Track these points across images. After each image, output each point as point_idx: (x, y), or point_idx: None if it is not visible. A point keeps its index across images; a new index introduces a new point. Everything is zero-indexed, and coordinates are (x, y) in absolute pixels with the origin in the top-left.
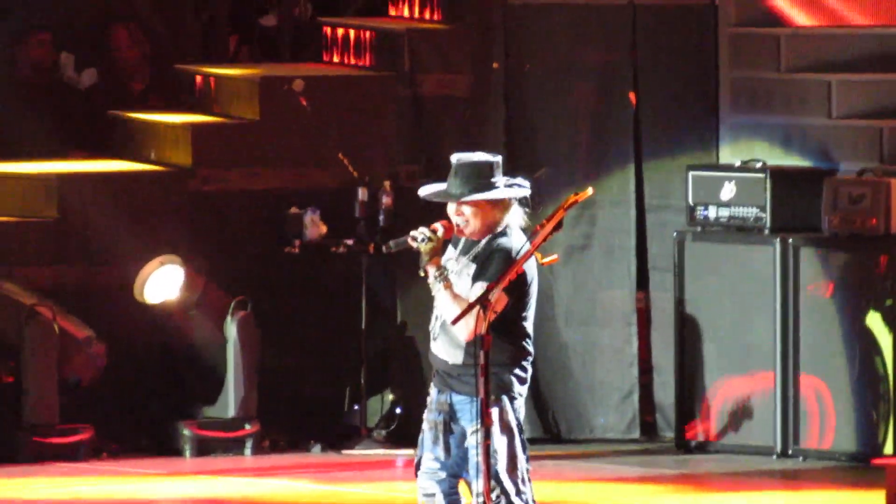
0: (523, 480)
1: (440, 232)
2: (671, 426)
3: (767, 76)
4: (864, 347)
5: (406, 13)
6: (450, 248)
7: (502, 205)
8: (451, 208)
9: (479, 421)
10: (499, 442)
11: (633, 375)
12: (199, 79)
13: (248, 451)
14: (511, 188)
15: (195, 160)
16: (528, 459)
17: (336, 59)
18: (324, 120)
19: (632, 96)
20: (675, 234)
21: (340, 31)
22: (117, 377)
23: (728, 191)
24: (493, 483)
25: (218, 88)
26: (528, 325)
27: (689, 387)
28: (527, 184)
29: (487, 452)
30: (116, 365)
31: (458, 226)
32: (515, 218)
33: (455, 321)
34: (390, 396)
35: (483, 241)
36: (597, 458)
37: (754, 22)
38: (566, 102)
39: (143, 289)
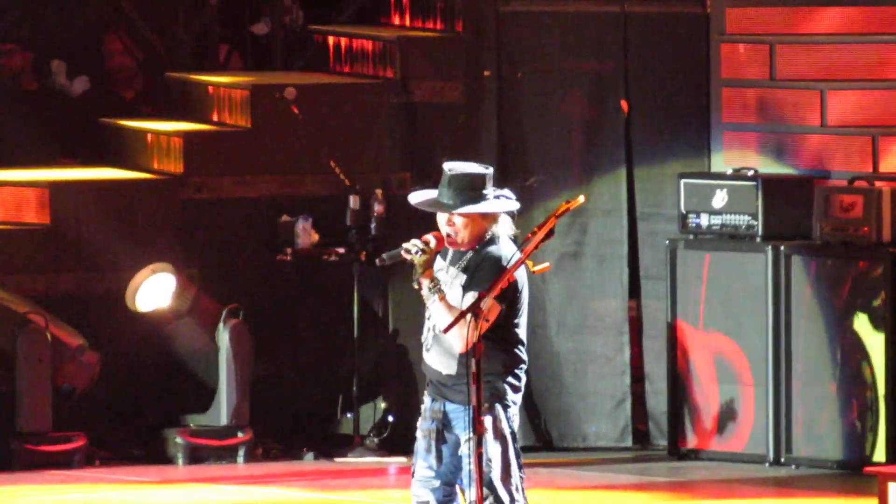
0: (517, 489)
1: (432, 244)
2: (663, 434)
3: (760, 83)
4: (853, 355)
5: (397, 21)
6: (438, 259)
7: (492, 216)
8: (441, 218)
9: (471, 429)
10: (493, 450)
11: (625, 383)
12: (190, 87)
13: (240, 458)
14: (499, 200)
15: (187, 168)
16: (522, 468)
17: (328, 67)
18: (315, 128)
19: (624, 104)
20: (667, 242)
21: (332, 40)
22: (110, 385)
23: (720, 199)
24: (487, 491)
25: (209, 96)
26: (522, 333)
27: (682, 395)
28: (514, 196)
29: (480, 460)
30: (109, 373)
31: (448, 236)
32: (504, 227)
33: (446, 330)
34: (383, 404)
35: (472, 251)
36: (589, 465)
37: (746, 30)
38: (558, 110)
39: (134, 297)
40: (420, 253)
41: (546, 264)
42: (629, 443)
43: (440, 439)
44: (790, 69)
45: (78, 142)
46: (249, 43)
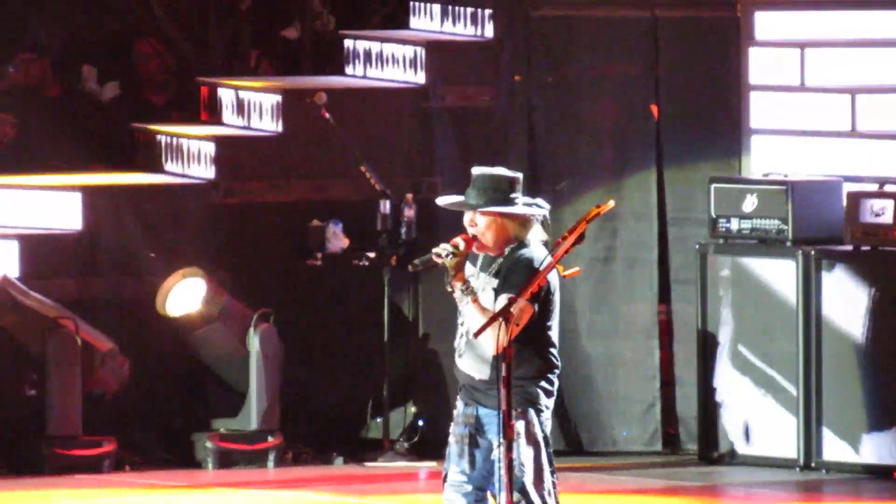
0: (550, 493)
1: (461, 246)
2: (693, 438)
3: (790, 88)
4: (884, 359)
5: (428, 26)
6: (468, 265)
7: (519, 221)
8: (466, 218)
9: (501, 434)
10: (525, 455)
11: (655, 388)
12: (221, 91)
13: (270, 463)
14: (529, 206)
15: (218, 173)
16: (554, 472)
17: (358, 71)
18: (346, 132)
19: (654, 108)
20: (697, 246)
21: (362, 44)
22: (140, 389)
23: (750, 203)
24: (519, 496)
25: (240, 101)
26: (554, 336)
27: (712, 399)
28: (546, 205)
29: (510, 465)
30: (139, 377)
31: (475, 239)
32: (535, 233)
33: (477, 334)
34: (413, 409)
35: (502, 256)
36: (619, 470)
37: (776, 34)
38: (588, 115)
39: (165, 301)
40: (450, 256)
41: (576, 268)
42: (659, 447)
43: (473, 444)
44: (820, 74)
45: (109, 147)
46: (280, 48)
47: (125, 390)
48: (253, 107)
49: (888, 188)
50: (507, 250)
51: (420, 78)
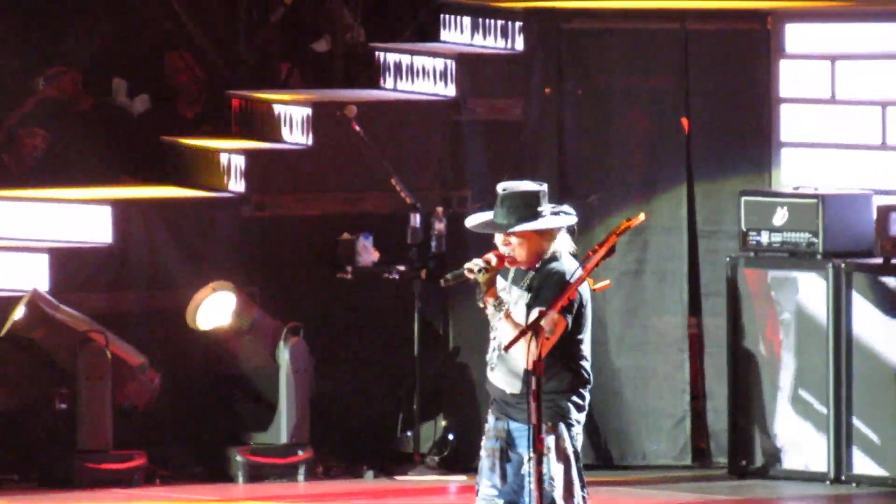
0: None
1: (494, 262)
2: (724, 452)
3: (820, 101)
4: None
5: (458, 38)
6: (499, 279)
7: (549, 233)
8: (498, 238)
9: (531, 447)
10: (555, 469)
11: (685, 401)
12: (251, 104)
13: (300, 477)
14: (557, 216)
15: (248, 186)
16: (584, 487)
17: (388, 84)
18: (376, 145)
19: (684, 121)
20: (727, 259)
21: (393, 57)
22: (170, 403)
23: (780, 216)
24: None
25: (270, 114)
26: (586, 349)
27: (742, 412)
28: (573, 211)
29: (540, 479)
30: (169, 391)
31: (508, 256)
32: (564, 244)
33: (507, 348)
34: (443, 422)
35: (534, 270)
36: (650, 484)
37: (807, 47)
38: (618, 127)
39: (195, 315)
40: (482, 272)
41: (606, 282)
42: (689, 461)
43: (504, 458)
44: (850, 87)
45: (139, 160)
46: (310, 61)
47: (156, 404)
48: (284, 120)
49: None
50: (538, 264)
51: (450, 91)
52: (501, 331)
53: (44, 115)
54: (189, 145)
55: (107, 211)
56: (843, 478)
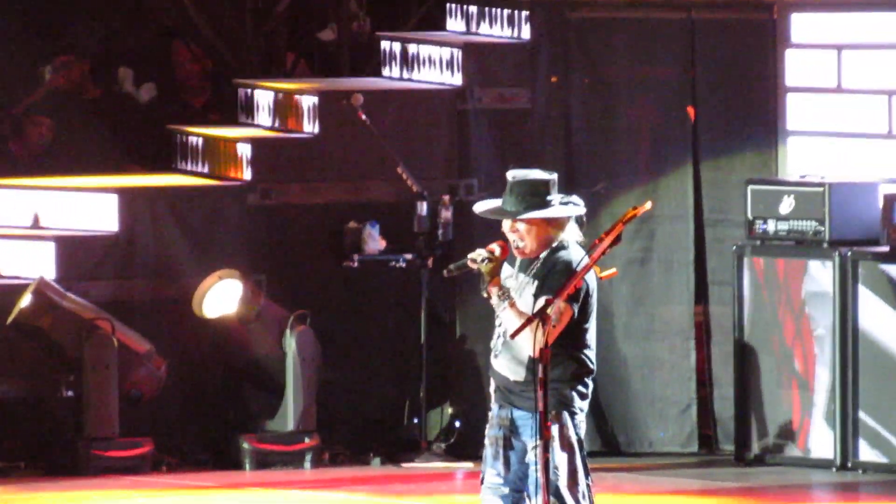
0: (584, 496)
1: (497, 252)
2: (730, 439)
3: (826, 90)
4: None
5: (464, 27)
6: (506, 266)
7: (557, 222)
8: (506, 225)
9: (538, 435)
10: (559, 458)
11: (691, 389)
12: (257, 94)
13: (307, 464)
14: (566, 206)
15: (254, 175)
16: (589, 475)
17: (394, 73)
18: (383, 134)
19: (690, 110)
20: (733, 247)
21: (399, 46)
22: (177, 391)
23: (787, 205)
24: (554, 499)
25: (276, 103)
26: (591, 338)
27: (749, 400)
28: (581, 202)
29: (547, 466)
30: (176, 379)
31: (515, 245)
32: (571, 234)
33: (514, 335)
34: (450, 410)
35: (541, 258)
36: (656, 471)
37: (813, 36)
38: (625, 116)
39: (202, 303)
40: (486, 262)
41: (613, 270)
42: (695, 448)
43: (508, 447)
44: (857, 75)
45: (146, 149)
46: (316, 50)
47: (162, 392)
48: (289, 109)
49: None
50: (545, 252)
51: (456, 80)
52: (506, 321)
53: (51, 104)
54: (195, 133)
55: (113, 199)
56: (849, 465)
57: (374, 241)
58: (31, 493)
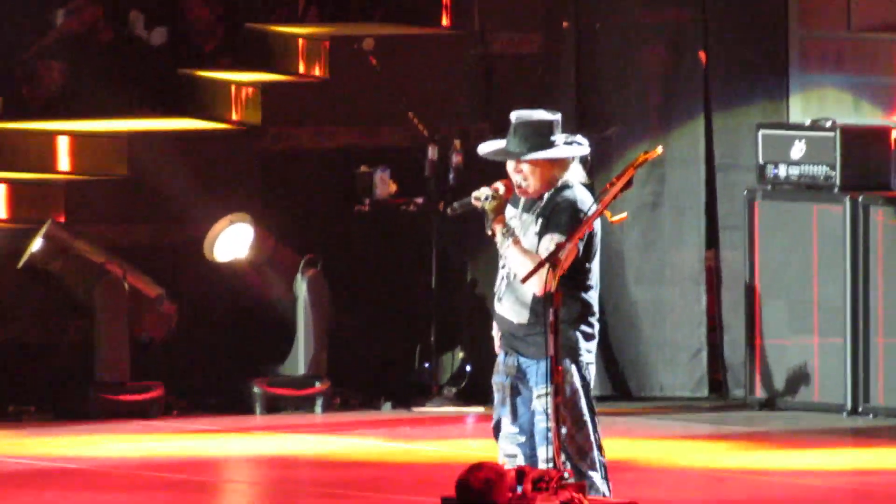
0: (589, 443)
1: (501, 190)
2: (740, 384)
3: (837, 34)
4: None
5: None
6: (509, 207)
7: (561, 163)
8: (510, 166)
9: (548, 380)
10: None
11: (701, 334)
12: (269, 38)
13: (318, 408)
14: (570, 146)
15: (265, 119)
16: (595, 415)
17: (406, 18)
18: (394, 79)
19: (702, 55)
20: (744, 192)
21: None
22: (188, 335)
23: (798, 149)
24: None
25: (288, 47)
26: (594, 278)
27: (759, 345)
28: (585, 141)
29: (557, 411)
30: (187, 323)
31: (518, 185)
32: (575, 174)
33: (525, 279)
34: (460, 354)
35: (545, 198)
36: (666, 415)
37: None
38: (636, 61)
39: (213, 247)
40: (490, 199)
41: (624, 214)
42: (705, 393)
43: (515, 393)
44: (867, 19)
45: (156, 93)
46: None
47: (173, 336)
48: (301, 54)
49: None
50: (549, 193)
51: (468, 25)
52: (511, 259)
53: (64, 47)
54: (206, 78)
55: (124, 143)
56: (861, 409)
57: (385, 186)
58: (42, 437)
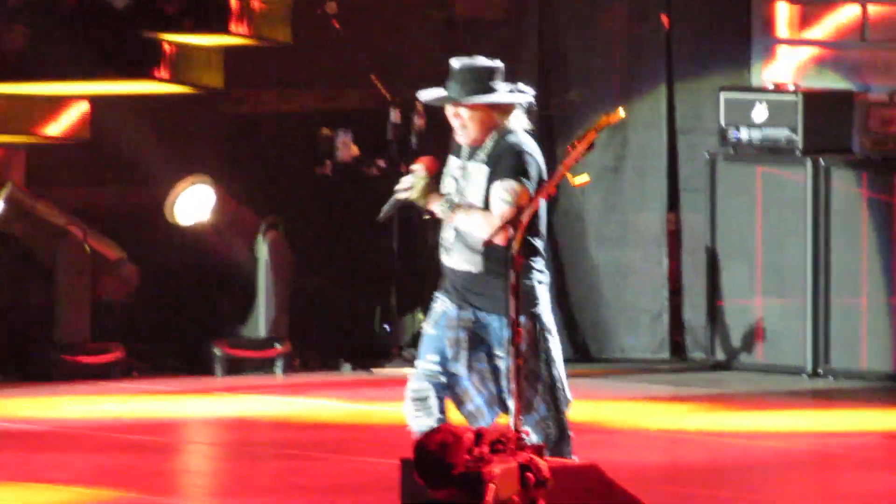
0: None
1: (422, 172)
2: (700, 346)
3: None
4: (893, 267)
5: None
6: (452, 158)
7: (501, 109)
8: (449, 111)
9: (509, 342)
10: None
11: (663, 296)
12: (231, 1)
13: (278, 370)
14: (511, 94)
15: (228, 82)
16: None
17: None
18: (356, 42)
19: (664, 18)
20: (706, 155)
21: None
22: (148, 297)
23: (760, 112)
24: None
25: (250, 10)
26: (542, 226)
27: (719, 307)
28: (529, 90)
29: (518, 371)
30: (148, 285)
31: (458, 132)
32: (518, 121)
33: (487, 242)
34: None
35: (487, 144)
36: (627, 377)
37: None
38: (599, 25)
39: (174, 210)
40: (416, 183)
41: (586, 177)
42: (667, 355)
43: (471, 348)
44: None
45: (119, 56)
46: None
47: (134, 298)
48: (263, 16)
49: None
50: (491, 139)
51: None
52: (464, 226)
53: (27, 10)
54: (169, 40)
55: (86, 106)
56: (821, 371)
57: (347, 149)
58: (4, 398)
